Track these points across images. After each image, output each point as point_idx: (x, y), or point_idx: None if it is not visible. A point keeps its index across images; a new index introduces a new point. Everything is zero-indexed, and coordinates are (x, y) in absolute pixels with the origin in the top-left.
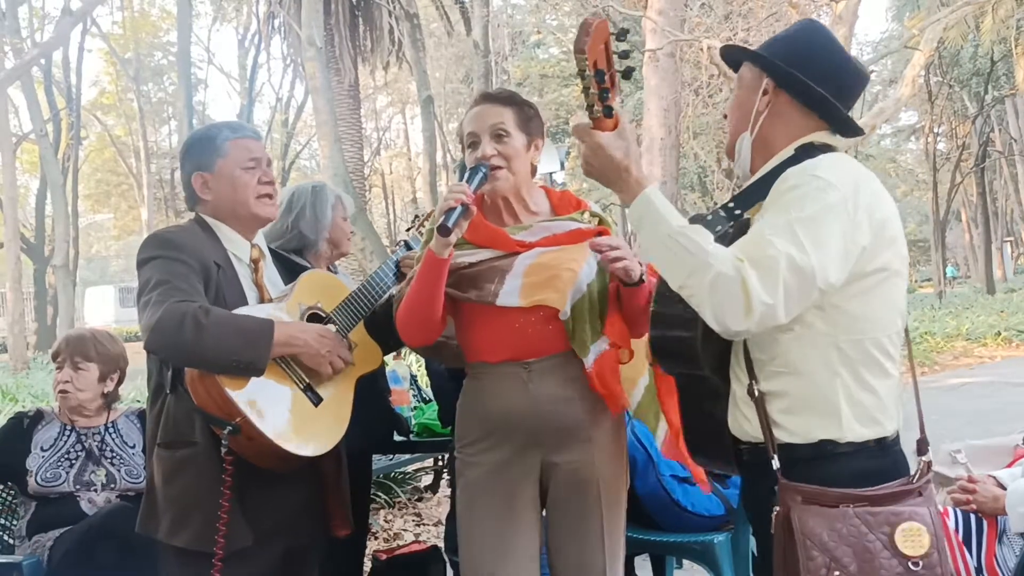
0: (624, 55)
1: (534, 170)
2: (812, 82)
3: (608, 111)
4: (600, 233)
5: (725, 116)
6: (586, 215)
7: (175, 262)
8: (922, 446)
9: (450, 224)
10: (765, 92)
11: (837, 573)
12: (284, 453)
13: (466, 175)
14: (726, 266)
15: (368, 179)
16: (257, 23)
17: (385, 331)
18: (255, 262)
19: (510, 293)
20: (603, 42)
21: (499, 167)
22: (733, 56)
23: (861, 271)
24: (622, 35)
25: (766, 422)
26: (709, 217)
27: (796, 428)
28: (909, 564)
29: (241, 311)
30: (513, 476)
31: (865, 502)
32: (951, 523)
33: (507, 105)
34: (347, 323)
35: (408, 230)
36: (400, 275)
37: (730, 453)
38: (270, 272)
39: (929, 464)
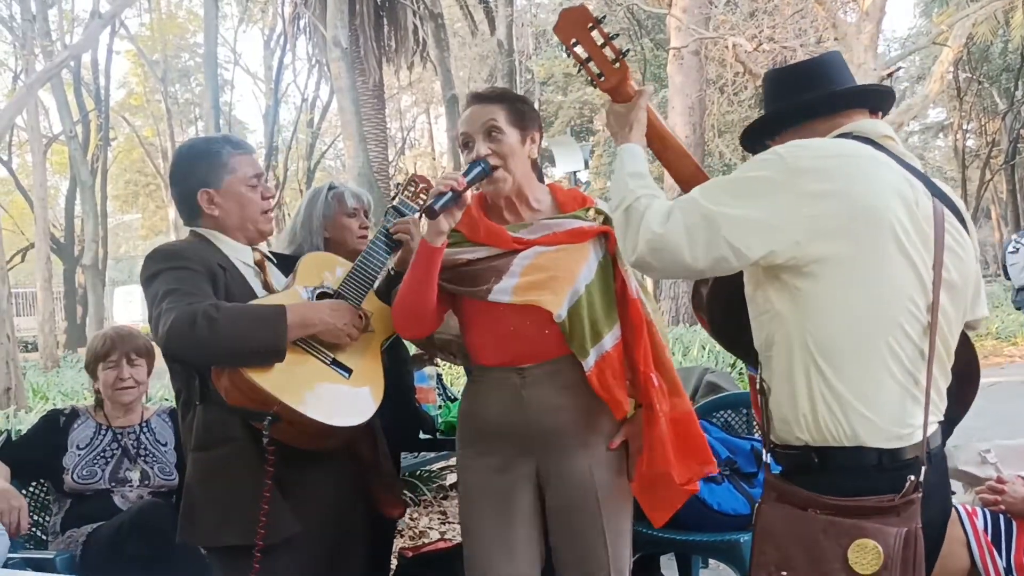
0: (612, 37)
1: (535, 164)
2: (770, 104)
3: (598, 77)
4: (604, 232)
5: None
6: (591, 212)
7: (181, 270)
8: (916, 464)
9: (436, 207)
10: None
11: (784, 572)
12: (327, 429)
13: (465, 169)
14: (639, 202)
15: (393, 179)
16: (283, 24)
17: None
18: (259, 264)
19: (503, 291)
20: (572, 22)
21: (497, 167)
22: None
23: (814, 253)
24: (600, 20)
25: (767, 415)
26: None
27: (788, 417)
28: None
29: (250, 304)
30: (509, 481)
31: (831, 511)
32: (980, 523)
33: (497, 103)
34: (357, 295)
35: (394, 197)
36: (391, 240)
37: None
38: (275, 273)
39: (917, 484)
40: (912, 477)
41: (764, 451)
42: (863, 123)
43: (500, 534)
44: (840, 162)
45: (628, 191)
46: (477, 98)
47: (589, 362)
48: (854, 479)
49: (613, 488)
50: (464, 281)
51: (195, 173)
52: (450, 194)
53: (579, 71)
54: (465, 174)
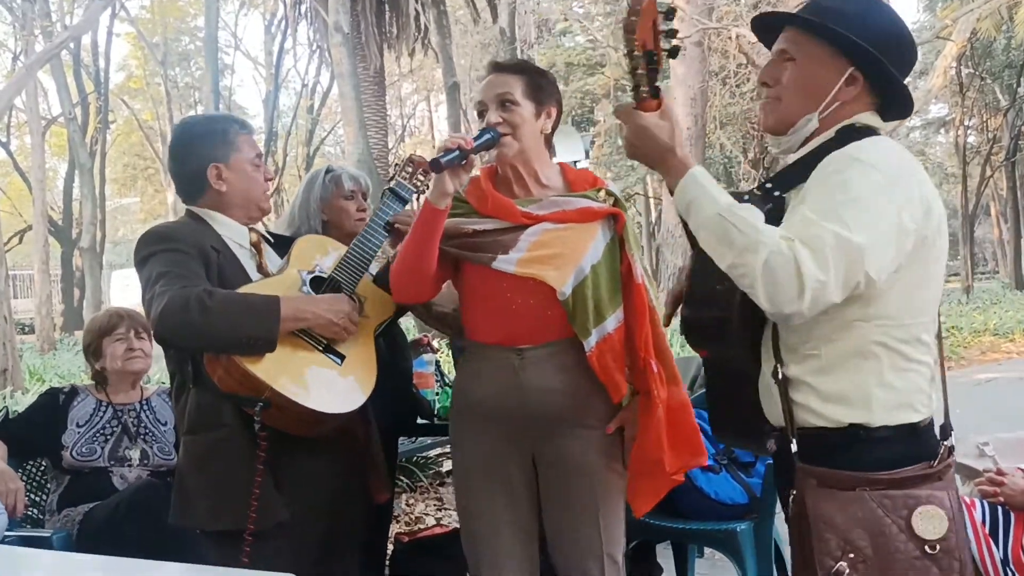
0: (671, 34)
1: (548, 139)
2: (894, 68)
3: (655, 92)
4: (613, 213)
5: (765, 83)
6: (601, 193)
7: (173, 252)
8: (945, 431)
9: (443, 161)
10: (851, 80)
11: (852, 555)
12: (318, 415)
13: (476, 134)
14: (778, 245)
15: (392, 166)
16: (284, 9)
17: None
18: (255, 246)
19: (508, 261)
20: (651, 20)
21: (506, 134)
22: (814, 28)
23: (904, 254)
24: (669, 15)
25: (788, 406)
26: (746, 197)
27: (825, 412)
28: (926, 547)
29: (243, 289)
30: (504, 460)
31: (882, 486)
32: (978, 515)
33: (516, 74)
34: (351, 279)
35: (391, 179)
36: (388, 225)
37: (760, 435)
38: (271, 255)
39: (951, 449)
40: (945, 442)
41: (791, 440)
42: (866, 116)
43: (497, 511)
44: (908, 165)
45: (757, 233)
46: (496, 67)
47: (590, 342)
48: (894, 452)
49: (607, 471)
50: (470, 249)
51: (203, 149)
52: (457, 152)
53: (632, 75)
54: (475, 138)
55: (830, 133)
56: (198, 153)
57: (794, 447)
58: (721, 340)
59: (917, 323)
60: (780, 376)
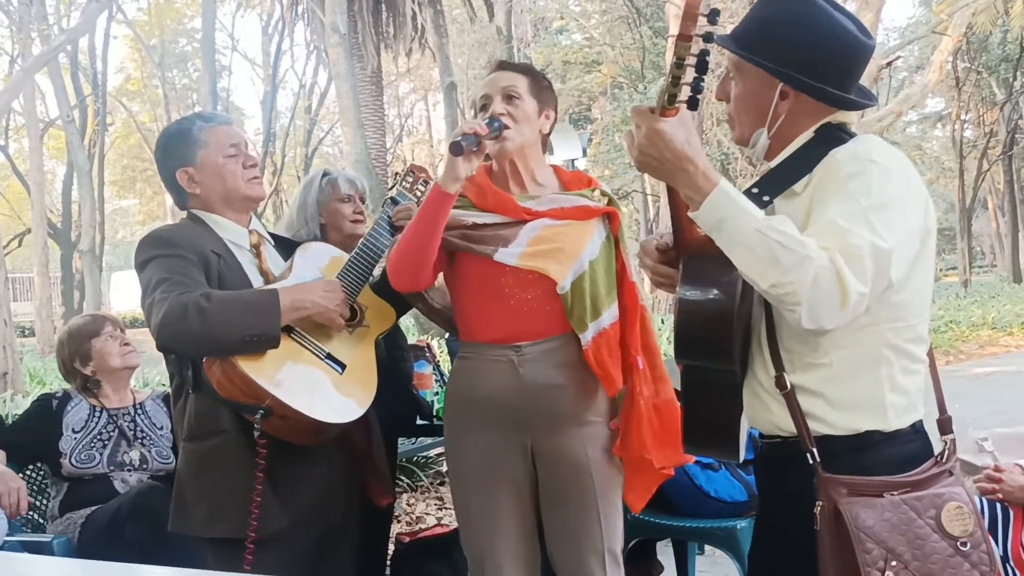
0: (708, 38)
1: (544, 140)
2: (825, 84)
3: (695, 104)
4: (608, 213)
5: (721, 99)
6: (596, 192)
7: (172, 258)
8: (945, 426)
9: (463, 143)
10: (784, 96)
11: (894, 563)
12: (319, 425)
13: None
14: (822, 259)
15: (391, 166)
16: (281, 10)
17: (393, 292)
18: (256, 247)
19: (509, 255)
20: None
21: (507, 127)
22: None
23: (916, 254)
24: (713, 17)
25: (799, 415)
26: None
27: (837, 421)
28: (958, 544)
29: (241, 291)
30: (503, 461)
31: (908, 488)
32: None
33: (521, 72)
34: (353, 287)
35: (392, 187)
36: (395, 229)
37: (735, 446)
38: (272, 256)
39: (954, 442)
40: (947, 437)
41: (812, 449)
42: (837, 115)
43: (498, 509)
44: (908, 162)
45: (804, 248)
46: (503, 65)
47: (587, 337)
48: (908, 452)
49: (606, 465)
50: (470, 241)
51: (171, 155)
52: (473, 136)
53: (673, 82)
54: (487, 124)
55: (809, 134)
56: (168, 161)
57: (815, 456)
58: (716, 350)
59: (921, 321)
60: (788, 385)
